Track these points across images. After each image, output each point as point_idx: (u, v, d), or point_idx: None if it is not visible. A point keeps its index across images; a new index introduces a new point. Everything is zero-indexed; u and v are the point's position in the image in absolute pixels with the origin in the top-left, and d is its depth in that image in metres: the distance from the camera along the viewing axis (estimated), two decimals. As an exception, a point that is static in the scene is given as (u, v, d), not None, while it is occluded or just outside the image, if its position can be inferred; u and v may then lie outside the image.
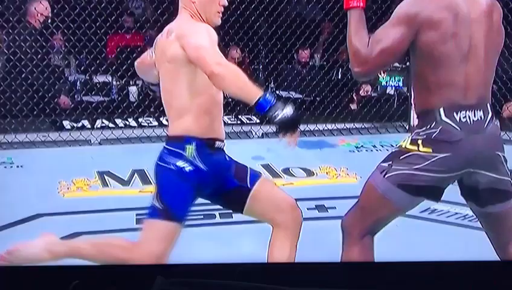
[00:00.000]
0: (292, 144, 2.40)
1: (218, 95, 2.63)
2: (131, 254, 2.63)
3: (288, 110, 2.39)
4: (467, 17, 2.21)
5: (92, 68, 6.48)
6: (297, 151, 5.43)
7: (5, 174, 4.85)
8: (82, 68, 6.66)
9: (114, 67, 6.36)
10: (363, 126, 6.17)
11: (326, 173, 4.82)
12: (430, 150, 2.20)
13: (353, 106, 6.56)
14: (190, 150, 2.59)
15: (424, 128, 2.23)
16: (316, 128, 6.06)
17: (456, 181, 2.32)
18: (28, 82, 6.07)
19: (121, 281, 1.39)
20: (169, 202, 2.59)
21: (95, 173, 4.69)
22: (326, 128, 6.09)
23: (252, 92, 2.39)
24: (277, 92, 6.73)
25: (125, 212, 3.95)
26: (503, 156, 2.25)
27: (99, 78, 6.58)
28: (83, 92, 6.51)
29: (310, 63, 6.93)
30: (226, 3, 2.66)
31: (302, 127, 6.15)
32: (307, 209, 4.07)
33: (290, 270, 1.46)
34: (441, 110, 2.21)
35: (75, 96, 6.56)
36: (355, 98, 6.57)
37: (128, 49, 6.60)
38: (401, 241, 3.18)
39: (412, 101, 6.04)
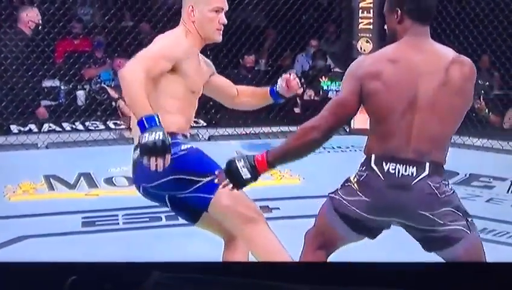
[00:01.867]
0: (154, 166, 2.27)
1: (188, 102, 2.61)
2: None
3: (158, 136, 2.26)
4: (413, 70, 2.16)
5: (40, 73, 6.32)
6: (242, 153, 5.45)
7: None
8: (30, 73, 6.48)
9: (62, 72, 6.21)
10: (306, 129, 6.16)
11: (271, 174, 4.78)
12: (358, 189, 2.21)
13: (297, 110, 6.56)
14: (181, 138, 2.58)
15: (360, 169, 2.24)
16: (261, 131, 6.05)
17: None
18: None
19: (118, 277, 1.35)
20: (213, 167, 2.47)
21: (41, 177, 4.57)
22: (271, 131, 6.08)
23: (140, 108, 2.33)
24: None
25: (71, 215, 3.86)
26: (434, 214, 2.14)
27: (47, 83, 6.43)
28: (31, 96, 6.33)
29: (255, 68, 6.91)
30: (226, 22, 2.64)
31: (247, 130, 6.22)
32: (252, 210, 4.05)
33: (288, 269, 1.41)
34: (373, 156, 2.19)
35: (23, 100, 6.37)
36: (298, 101, 6.57)
37: (76, 55, 6.48)
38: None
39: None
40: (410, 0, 2.22)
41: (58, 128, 5.81)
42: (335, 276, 1.49)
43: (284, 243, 3.42)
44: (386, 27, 2.32)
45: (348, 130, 6.12)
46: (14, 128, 5.82)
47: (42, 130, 5.78)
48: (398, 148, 2.15)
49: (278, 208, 4.10)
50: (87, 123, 5.95)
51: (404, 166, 2.15)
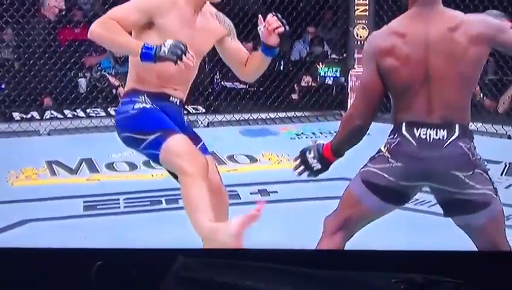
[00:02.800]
0: (189, 63, 2.38)
1: (169, 67, 2.48)
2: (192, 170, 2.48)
3: (168, 42, 2.39)
4: (422, 42, 2.16)
5: (42, 61, 6.31)
6: (241, 138, 5.45)
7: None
8: (31, 61, 6.46)
9: (63, 60, 6.19)
10: (303, 115, 6.17)
11: (269, 159, 4.79)
12: (390, 156, 2.21)
13: (294, 96, 6.55)
14: (142, 97, 2.58)
15: (390, 137, 2.24)
16: (259, 117, 6.04)
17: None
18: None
19: (142, 263, 1.34)
20: (159, 125, 2.51)
21: (43, 162, 4.57)
22: (269, 117, 6.07)
23: (131, 43, 2.44)
24: (222, 82, 6.66)
25: (73, 199, 3.87)
26: (467, 175, 2.16)
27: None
28: (33, 84, 6.32)
29: (253, 55, 6.88)
30: None
31: (246, 115, 6.21)
32: (250, 193, 4.06)
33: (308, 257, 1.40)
34: (403, 124, 2.20)
35: (25, 88, 6.36)
36: (296, 88, 6.57)
37: (77, 43, 6.45)
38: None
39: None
40: None
41: (59, 115, 5.81)
42: (350, 262, 1.48)
43: (280, 224, 3.43)
44: None
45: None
46: (16, 115, 5.82)
47: (44, 117, 5.78)
48: (423, 115, 2.17)
49: (276, 192, 4.10)
50: (88, 110, 5.95)
51: (435, 130, 2.17)
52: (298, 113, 6.18)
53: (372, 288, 1.30)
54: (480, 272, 1.34)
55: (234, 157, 4.79)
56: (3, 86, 6.20)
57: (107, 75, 6.32)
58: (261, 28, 2.61)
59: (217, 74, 6.69)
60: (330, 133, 5.63)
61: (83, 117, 5.84)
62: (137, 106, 2.57)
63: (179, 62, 2.38)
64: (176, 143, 2.47)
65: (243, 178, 4.35)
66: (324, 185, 4.11)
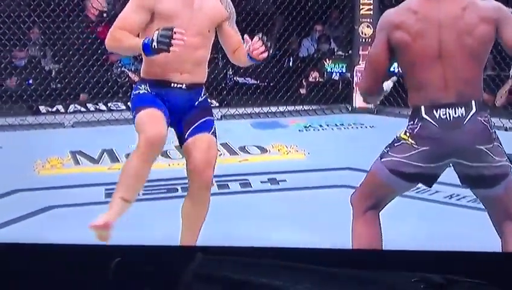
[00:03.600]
0: (178, 43, 2.36)
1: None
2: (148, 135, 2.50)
3: (155, 34, 2.39)
4: (434, 19, 2.14)
5: (66, 58, 6.33)
6: (253, 131, 5.45)
7: (-15, 155, 4.72)
8: (57, 58, 6.50)
9: (86, 57, 6.21)
10: (311, 108, 6.15)
11: (278, 150, 4.78)
12: (414, 142, 2.18)
13: (302, 90, 6.53)
14: (143, 86, 2.61)
15: (411, 123, 2.21)
16: (270, 110, 6.04)
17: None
18: (7, 72, 5.98)
19: (161, 260, 1.31)
20: (142, 99, 2.58)
21: (68, 153, 4.59)
22: (278, 110, 6.06)
23: (135, 43, 2.47)
24: (234, 78, 6.65)
25: (95, 187, 3.88)
26: (488, 148, 2.16)
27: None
28: (58, 80, 6.35)
29: (264, 52, 6.86)
30: None
31: (257, 109, 6.21)
32: (261, 182, 4.05)
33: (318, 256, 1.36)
34: (422, 107, 2.17)
35: (50, 84, 6.40)
36: (304, 83, 6.54)
37: (99, 41, 6.46)
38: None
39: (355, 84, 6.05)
40: None
41: (83, 109, 5.84)
42: (368, 261, 1.43)
43: (288, 211, 3.43)
44: None
45: (350, 109, 6.10)
46: (42, 108, 5.86)
47: (68, 111, 5.81)
48: (440, 95, 2.15)
49: (285, 180, 4.09)
50: (109, 104, 5.97)
51: (453, 108, 2.15)
52: (306, 107, 6.16)
53: (391, 287, 1.25)
54: (501, 272, 1.29)
55: (246, 148, 4.78)
56: (30, 81, 6.23)
57: (127, 71, 6.33)
58: (246, 46, 2.56)
59: (230, 69, 6.68)
60: (336, 125, 5.62)
61: (105, 111, 5.85)
62: (135, 92, 2.63)
63: (171, 48, 2.37)
64: (141, 115, 2.51)
65: (254, 168, 4.35)
66: (330, 174, 4.12)
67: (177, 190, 3.79)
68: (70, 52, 6.18)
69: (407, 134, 2.20)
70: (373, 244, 2.27)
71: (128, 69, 6.39)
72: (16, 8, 6.16)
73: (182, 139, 2.63)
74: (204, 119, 2.62)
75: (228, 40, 2.69)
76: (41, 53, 6.63)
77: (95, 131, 5.40)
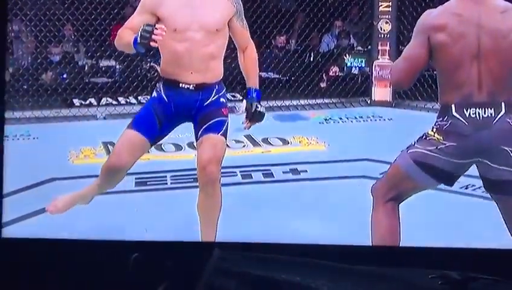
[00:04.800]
0: (157, 38, 2.46)
1: (179, 48, 2.58)
2: (109, 160, 2.84)
3: (142, 28, 2.47)
4: (475, 22, 2.13)
5: (98, 54, 6.40)
6: (275, 123, 5.45)
7: (23, 145, 4.80)
8: (89, 54, 6.57)
9: (117, 52, 6.25)
10: (331, 101, 6.13)
11: (299, 141, 4.78)
12: (441, 138, 2.17)
13: (323, 84, 6.50)
14: (159, 84, 2.72)
15: (440, 119, 2.20)
16: (291, 103, 6.02)
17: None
18: (43, 67, 6.06)
19: (179, 254, 1.30)
20: (137, 115, 2.81)
21: (100, 143, 4.63)
22: (299, 103, 6.04)
23: (128, 39, 2.55)
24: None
25: (126, 176, 3.84)
26: None
27: (105, 63, 6.50)
28: (90, 74, 6.42)
29: (286, 48, 6.85)
30: None
31: (279, 102, 6.20)
32: (283, 172, 4.07)
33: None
34: (453, 106, 2.16)
35: (84, 78, 6.47)
36: (324, 77, 6.51)
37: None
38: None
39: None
40: None
41: (114, 102, 5.87)
42: (386, 258, 1.41)
43: (309, 200, 3.44)
44: None
45: (369, 102, 6.06)
46: (76, 101, 5.91)
47: (100, 104, 5.86)
48: (473, 94, 2.14)
49: (306, 171, 4.09)
50: (139, 97, 5.99)
51: (483, 109, 2.13)
52: (326, 100, 6.14)
53: (409, 284, 1.23)
54: None
55: (268, 140, 4.79)
56: (65, 76, 6.31)
57: (156, 66, 6.36)
58: (239, 110, 2.82)
59: (253, 64, 6.67)
60: (355, 118, 5.60)
61: (135, 104, 5.88)
62: (153, 92, 2.74)
63: (152, 44, 2.45)
64: (122, 136, 2.80)
65: (276, 159, 4.36)
66: (350, 165, 4.11)
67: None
68: (102, 48, 6.25)
69: (434, 130, 2.20)
70: (393, 233, 2.27)
71: (157, 64, 6.42)
72: (51, 6, 6.24)
73: (196, 138, 2.69)
74: (214, 120, 2.66)
75: (236, 35, 2.71)
76: (75, 49, 6.70)
77: (126, 123, 5.37)
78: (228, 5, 2.64)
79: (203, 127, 2.63)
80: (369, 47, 6.29)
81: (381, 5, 5.93)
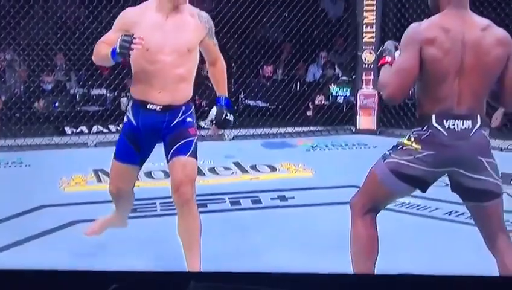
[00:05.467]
0: (137, 47, 2.51)
1: (150, 68, 2.61)
2: (108, 188, 2.97)
3: (121, 38, 2.51)
4: (460, 38, 2.15)
5: (90, 82, 6.41)
6: (263, 150, 5.46)
7: (15, 172, 4.76)
8: (81, 83, 6.57)
9: (108, 81, 6.27)
10: (317, 129, 6.16)
11: (287, 168, 4.78)
12: (420, 147, 2.18)
13: (309, 113, 6.54)
14: (128, 106, 2.76)
15: (419, 129, 2.21)
16: (279, 131, 6.05)
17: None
18: (35, 95, 6.05)
19: (157, 287, 1.27)
20: (116, 144, 2.87)
21: (91, 171, 4.61)
22: (287, 131, 6.07)
23: (105, 51, 2.58)
24: (246, 101, 6.68)
25: (116, 203, 3.86)
26: (488, 161, 2.18)
27: (96, 91, 6.51)
28: (82, 103, 6.41)
29: (273, 77, 6.90)
30: None
31: (267, 130, 6.22)
32: (271, 199, 4.05)
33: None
34: (433, 116, 2.18)
35: (75, 106, 6.46)
36: (310, 106, 6.56)
37: (120, 66, 6.53)
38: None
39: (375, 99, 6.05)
40: None
41: (105, 130, 5.85)
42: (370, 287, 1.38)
43: (296, 227, 3.43)
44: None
45: (354, 130, 6.10)
46: (68, 129, 5.90)
47: (92, 132, 5.84)
48: (453, 107, 2.16)
49: (293, 197, 4.09)
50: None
51: (462, 121, 2.16)
52: (313, 128, 6.17)
53: None
54: None
55: (256, 167, 4.79)
56: (57, 104, 6.29)
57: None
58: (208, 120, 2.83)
59: (242, 93, 6.72)
60: (341, 145, 5.62)
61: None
62: (125, 117, 2.75)
63: (131, 52, 2.50)
64: (111, 167, 2.90)
65: (264, 185, 4.35)
66: (336, 191, 4.10)
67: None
68: (94, 77, 6.26)
69: (412, 139, 2.21)
70: (372, 244, 2.28)
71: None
72: (43, 36, 6.26)
73: (167, 159, 2.71)
74: (182, 141, 2.65)
75: (208, 52, 2.79)
76: (67, 78, 6.70)
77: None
78: (200, 26, 2.68)
79: (172, 149, 2.65)
80: (354, 77, 6.36)
81: (365, 36, 6.01)
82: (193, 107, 2.76)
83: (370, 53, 6.03)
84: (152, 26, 2.59)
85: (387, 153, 2.26)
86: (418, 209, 3.77)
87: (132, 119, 2.69)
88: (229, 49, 6.59)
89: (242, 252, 3.11)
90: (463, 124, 2.16)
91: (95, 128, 5.89)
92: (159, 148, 2.76)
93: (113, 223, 3.13)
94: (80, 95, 6.56)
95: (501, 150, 5.30)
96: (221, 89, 2.82)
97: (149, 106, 2.63)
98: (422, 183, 2.24)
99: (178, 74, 2.63)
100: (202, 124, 6.15)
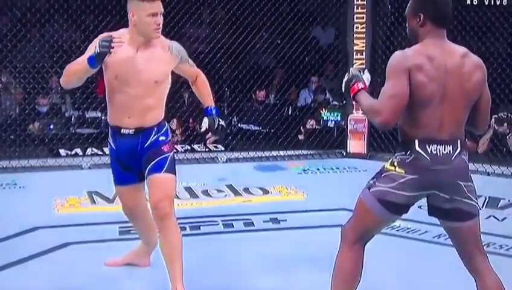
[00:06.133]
0: (118, 45, 2.57)
1: (118, 97, 2.67)
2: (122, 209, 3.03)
3: (100, 40, 2.56)
4: (443, 66, 2.18)
5: (84, 105, 6.41)
6: (255, 173, 5.45)
7: (9, 194, 4.71)
8: (76, 105, 6.57)
9: (103, 104, 6.26)
10: (309, 153, 6.17)
11: (279, 191, 4.78)
12: (403, 171, 2.19)
13: (301, 137, 6.56)
14: (109, 137, 2.82)
15: (402, 154, 2.22)
16: (271, 154, 6.05)
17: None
18: (31, 117, 6.03)
19: None
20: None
21: (85, 193, 4.58)
22: (279, 154, 6.08)
23: (79, 65, 2.62)
24: (239, 124, 6.70)
25: (110, 225, 3.85)
26: (466, 185, 2.20)
27: (90, 114, 6.51)
28: (77, 125, 6.40)
29: (266, 102, 6.94)
30: (161, 22, 2.63)
31: (259, 153, 6.22)
32: (263, 221, 4.03)
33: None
34: (416, 141, 2.19)
35: (70, 128, 6.45)
36: (302, 130, 6.58)
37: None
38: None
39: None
40: (433, 7, 2.22)
41: (99, 152, 5.82)
42: None
43: (288, 249, 3.41)
44: (407, 28, 2.29)
45: (344, 154, 6.12)
46: (62, 151, 5.87)
47: (86, 154, 5.81)
48: (435, 132, 2.18)
49: (285, 220, 4.08)
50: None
51: (443, 145, 2.18)
52: (304, 152, 6.18)
53: None
54: None
55: (249, 189, 4.78)
56: (52, 126, 6.28)
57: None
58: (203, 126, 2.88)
59: (235, 117, 6.74)
60: (332, 169, 5.63)
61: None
62: (108, 146, 2.84)
63: (112, 50, 2.53)
64: (116, 192, 2.99)
65: (256, 208, 4.34)
66: (327, 214, 4.10)
67: (186, 228, 3.77)
68: (89, 100, 6.25)
69: (395, 164, 2.21)
70: (355, 275, 2.29)
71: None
72: (39, 59, 6.26)
73: (145, 178, 2.77)
74: (156, 160, 2.71)
75: (186, 73, 2.88)
76: (62, 100, 6.70)
77: (111, 173, 5.37)
78: (170, 58, 2.72)
79: (147, 169, 2.70)
80: (344, 102, 6.40)
81: (355, 63, 6.07)
82: (166, 125, 2.81)
83: (360, 79, 6.06)
84: (122, 58, 2.62)
85: (372, 181, 2.26)
86: (407, 232, 3.78)
87: (112, 145, 2.79)
88: (223, 74, 6.63)
89: (234, 273, 3.09)
90: (445, 149, 2.18)
91: (89, 151, 5.86)
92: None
93: (136, 255, 3.16)
94: (75, 117, 6.56)
95: (488, 174, 5.31)
96: (208, 100, 2.89)
97: (123, 131, 2.71)
98: (404, 209, 2.26)
99: (145, 104, 2.69)
100: (196, 147, 6.16)
